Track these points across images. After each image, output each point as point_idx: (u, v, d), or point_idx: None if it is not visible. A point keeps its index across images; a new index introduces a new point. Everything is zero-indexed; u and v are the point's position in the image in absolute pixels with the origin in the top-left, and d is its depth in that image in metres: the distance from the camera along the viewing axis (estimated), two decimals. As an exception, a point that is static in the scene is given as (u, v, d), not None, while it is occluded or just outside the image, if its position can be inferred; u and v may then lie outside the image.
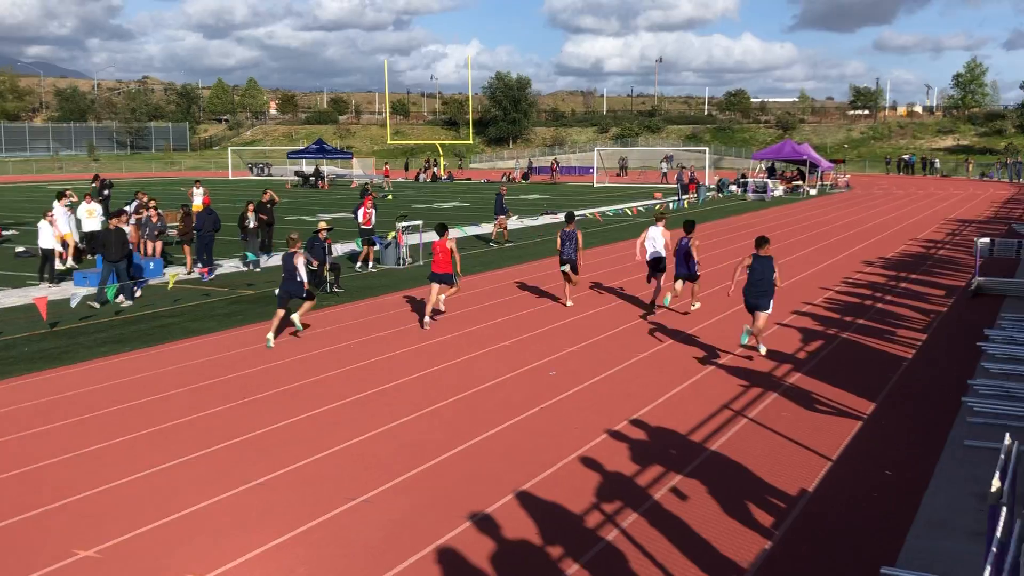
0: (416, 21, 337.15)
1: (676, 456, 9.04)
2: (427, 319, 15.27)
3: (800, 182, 53.89)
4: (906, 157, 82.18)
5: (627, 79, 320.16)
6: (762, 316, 12.80)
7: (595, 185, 62.18)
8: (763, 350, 13.29)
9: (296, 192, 55.19)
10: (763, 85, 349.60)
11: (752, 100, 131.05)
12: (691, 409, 10.61)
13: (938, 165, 78.56)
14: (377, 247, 22.77)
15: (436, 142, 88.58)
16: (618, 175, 74.40)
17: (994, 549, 4.71)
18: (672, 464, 8.80)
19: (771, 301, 12.79)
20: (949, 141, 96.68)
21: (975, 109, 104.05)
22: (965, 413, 10.40)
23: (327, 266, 18.62)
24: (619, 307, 17.00)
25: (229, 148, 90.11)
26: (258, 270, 21.63)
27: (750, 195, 48.45)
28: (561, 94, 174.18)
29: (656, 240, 16.58)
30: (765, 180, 51.96)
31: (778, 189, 50.95)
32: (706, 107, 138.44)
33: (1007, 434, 5.95)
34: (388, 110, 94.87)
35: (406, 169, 80.00)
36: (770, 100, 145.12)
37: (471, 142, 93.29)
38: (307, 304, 14.61)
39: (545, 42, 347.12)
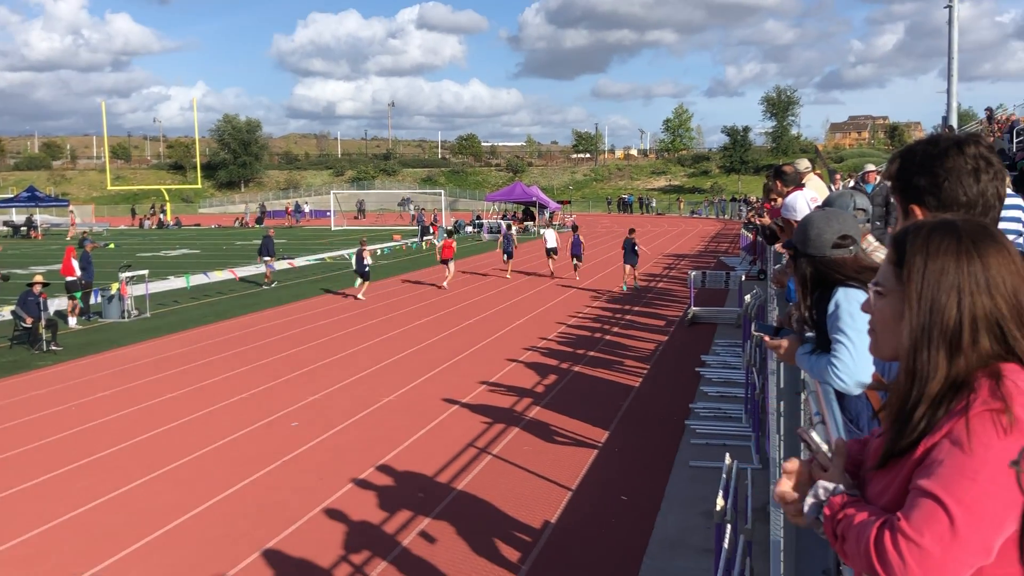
0: (136, 62, 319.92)
1: (423, 499, 9.04)
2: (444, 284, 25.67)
3: (531, 222, 56.21)
4: (625, 197, 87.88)
5: (360, 122, 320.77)
6: (628, 268, 25.08)
7: (333, 228, 61.62)
8: (625, 288, 25.09)
9: (5, 243, 50.67)
10: (493, 130, 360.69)
11: (483, 144, 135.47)
12: (436, 450, 10.67)
13: (654, 204, 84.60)
14: (97, 300, 21.31)
15: (162, 187, 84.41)
16: (356, 218, 74.18)
17: (722, 564, 5.06)
18: (419, 508, 8.79)
19: (637, 259, 25.16)
20: (662, 182, 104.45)
21: (683, 152, 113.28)
22: (689, 435, 11.16)
23: (42, 323, 17.21)
24: (361, 352, 16.88)
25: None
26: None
27: (485, 235, 49.87)
28: (294, 136, 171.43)
29: (549, 238, 28.72)
30: (499, 221, 53.79)
31: (512, 229, 52.96)
32: (439, 151, 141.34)
33: (727, 454, 6.42)
34: (108, 154, 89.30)
35: (132, 216, 75.47)
36: (500, 144, 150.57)
37: (200, 186, 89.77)
38: (364, 283, 23.75)
39: (275, 84, 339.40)
